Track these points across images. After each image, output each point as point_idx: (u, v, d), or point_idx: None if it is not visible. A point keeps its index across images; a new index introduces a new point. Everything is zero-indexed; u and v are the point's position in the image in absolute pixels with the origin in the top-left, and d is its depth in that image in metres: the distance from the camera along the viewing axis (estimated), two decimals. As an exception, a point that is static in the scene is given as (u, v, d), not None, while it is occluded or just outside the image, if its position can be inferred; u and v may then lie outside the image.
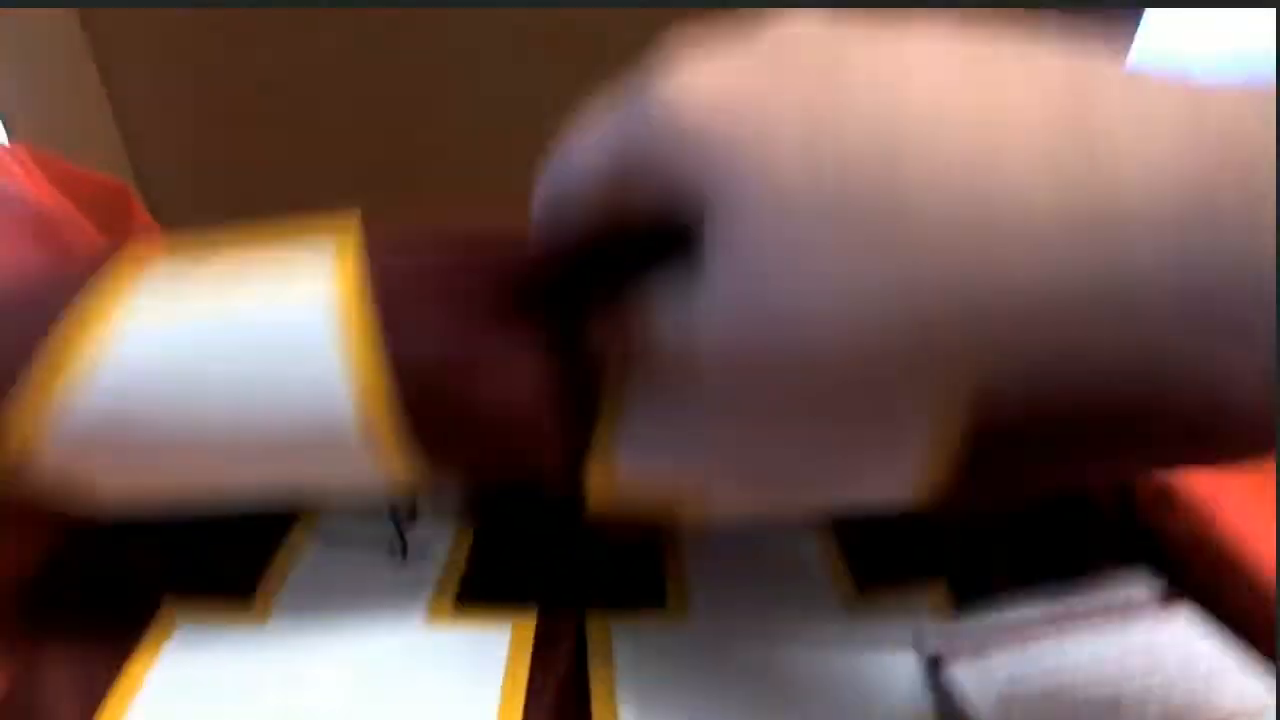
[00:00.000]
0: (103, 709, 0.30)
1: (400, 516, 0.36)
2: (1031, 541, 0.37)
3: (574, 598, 0.34)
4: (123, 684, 0.30)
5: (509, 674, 0.33)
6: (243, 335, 0.26)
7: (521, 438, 0.27)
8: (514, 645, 0.34)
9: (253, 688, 0.31)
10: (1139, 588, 0.33)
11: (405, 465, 0.27)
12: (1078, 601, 0.32)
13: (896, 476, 0.23)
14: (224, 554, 0.35)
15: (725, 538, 0.38)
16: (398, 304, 0.26)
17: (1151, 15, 0.35)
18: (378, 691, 0.32)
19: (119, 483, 0.29)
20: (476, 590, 0.34)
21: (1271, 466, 0.39)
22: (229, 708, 0.30)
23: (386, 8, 0.31)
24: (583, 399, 0.26)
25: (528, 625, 0.33)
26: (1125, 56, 0.34)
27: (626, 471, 0.27)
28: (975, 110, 0.18)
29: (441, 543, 0.36)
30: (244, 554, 0.34)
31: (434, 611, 0.34)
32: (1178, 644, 0.30)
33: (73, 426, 0.26)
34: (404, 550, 0.36)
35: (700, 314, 0.21)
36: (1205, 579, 0.32)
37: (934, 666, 0.31)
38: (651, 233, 0.23)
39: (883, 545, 0.37)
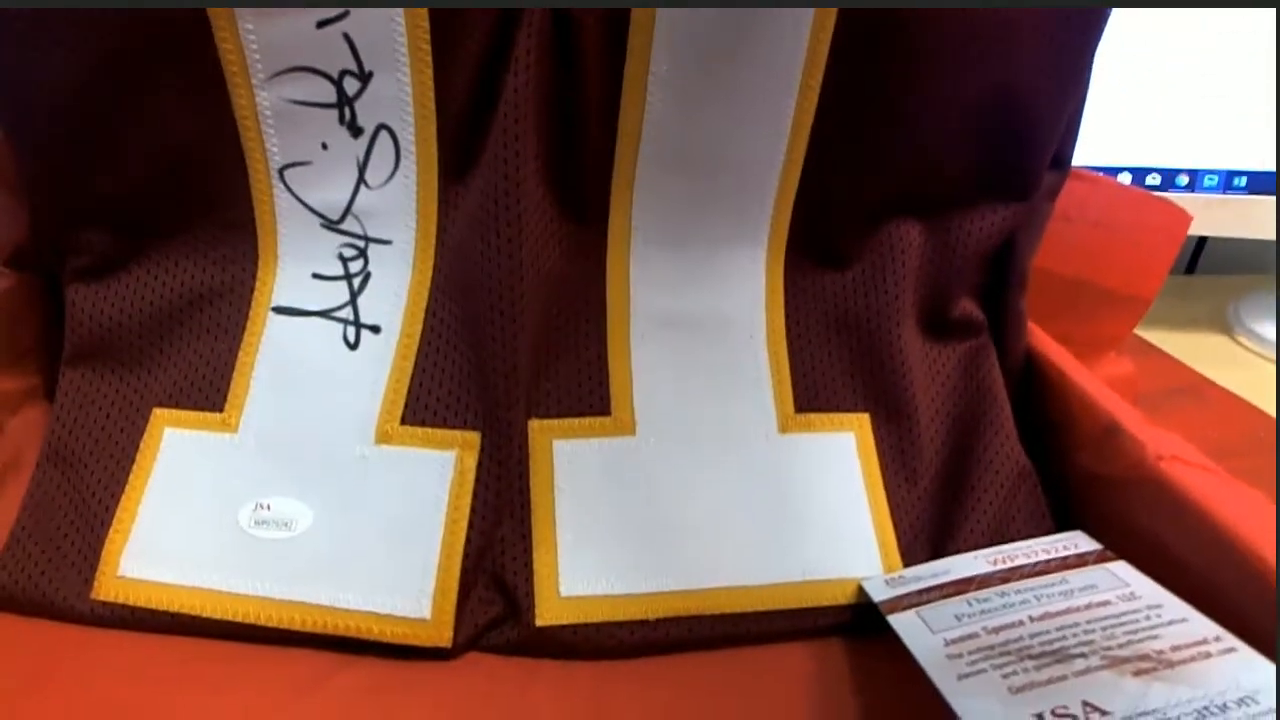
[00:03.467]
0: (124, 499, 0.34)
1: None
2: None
3: (514, 403, 0.34)
4: (132, 483, 0.34)
5: (453, 494, 0.33)
6: None
7: None
8: (458, 468, 0.33)
9: (230, 496, 0.33)
10: (1077, 540, 0.33)
11: None
12: (1018, 553, 0.33)
13: None
14: (194, 360, 0.36)
15: (672, 336, 0.37)
16: None
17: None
18: (331, 509, 0.33)
19: None
20: (421, 406, 0.34)
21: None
22: (213, 512, 0.33)
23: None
24: None
25: (471, 447, 0.34)
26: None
27: None
28: None
29: (391, 321, 0.36)
30: (210, 360, 0.36)
31: (382, 432, 0.34)
32: (1116, 591, 0.29)
33: None
34: (357, 339, 0.36)
35: None
36: (1149, 523, 0.32)
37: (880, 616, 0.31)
38: None
39: (825, 368, 0.37)
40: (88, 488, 0.34)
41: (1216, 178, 0.57)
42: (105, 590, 0.32)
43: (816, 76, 0.33)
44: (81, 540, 0.33)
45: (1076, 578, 0.30)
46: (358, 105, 0.34)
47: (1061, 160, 0.38)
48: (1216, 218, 0.58)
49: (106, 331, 0.36)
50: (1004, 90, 0.34)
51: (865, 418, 0.36)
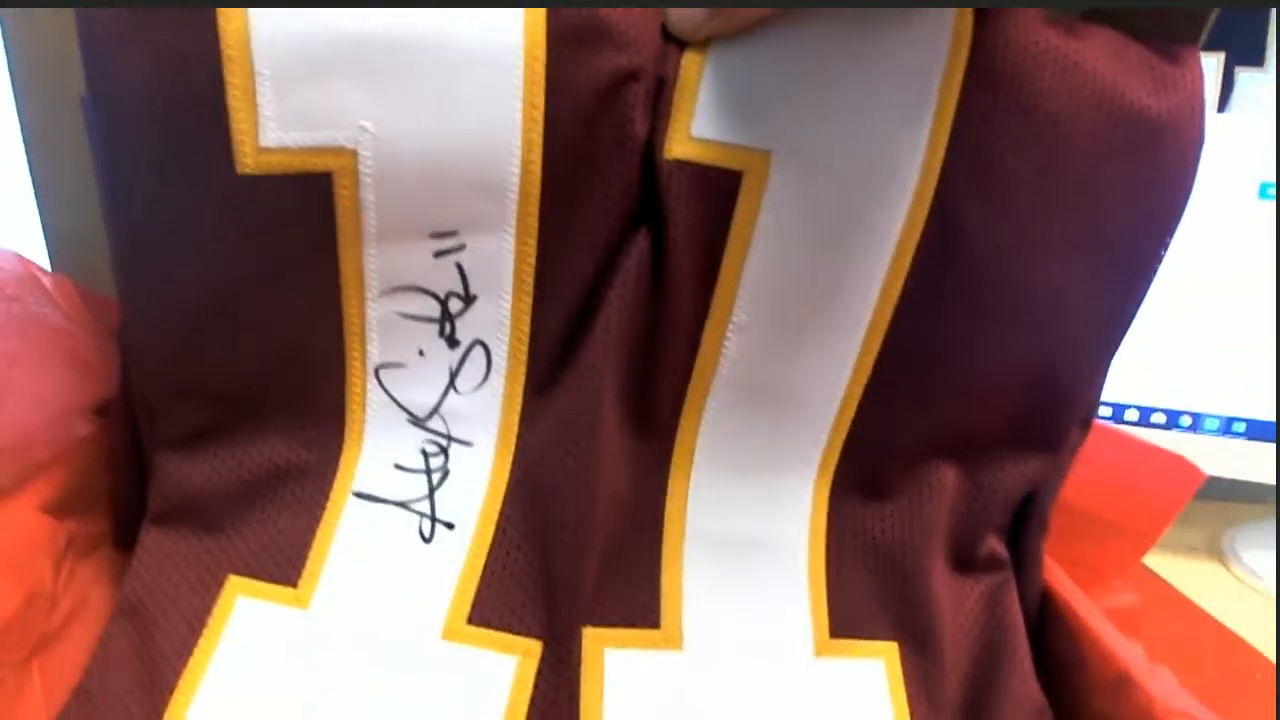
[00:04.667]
0: (185, 671, 0.35)
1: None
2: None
3: (576, 616, 0.36)
4: (201, 646, 0.36)
5: (512, 702, 0.35)
6: None
7: None
8: (518, 675, 0.36)
9: (293, 674, 0.35)
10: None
11: None
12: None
13: None
14: (273, 533, 0.38)
15: (722, 554, 0.39)
16: None
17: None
18: (395, 699, 0.35)
19: None
20: (488, 608, 0.37)
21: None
22: (274, 688, 0.35)
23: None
24: None
25: (532, 655, 0.36)
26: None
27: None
28: None
29: (465, 520, 0.39)
30: (289, 536, 0.38)
31: (449, 629, 0.36)
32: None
33: None
34: (432, 533, 0.38)
35: None
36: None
37: None
38: None
39: (858, 595, 0.40)
40: (157, 647, 0.35)
41: (1217, 422, 0.61)
42: (162, 758, 0.33)
43: (881, 329, 0.37)
44: (147, 701, 0.34)
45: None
46: (458, 322, 0.37)
47: (1087, 420, 0.42)
48: (1215, 457, 0.61)
49: (191, 498, 0.38)
50: (1048, 356, 0.38)
51: (894, 646, 0.38)
